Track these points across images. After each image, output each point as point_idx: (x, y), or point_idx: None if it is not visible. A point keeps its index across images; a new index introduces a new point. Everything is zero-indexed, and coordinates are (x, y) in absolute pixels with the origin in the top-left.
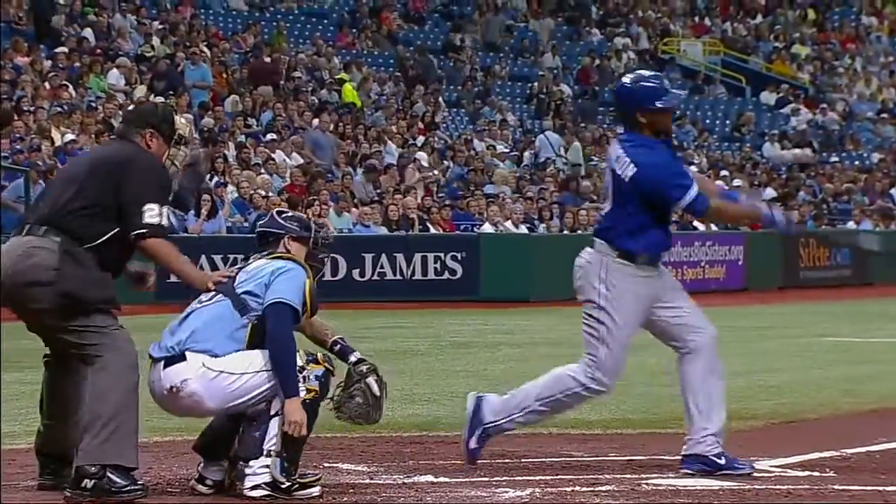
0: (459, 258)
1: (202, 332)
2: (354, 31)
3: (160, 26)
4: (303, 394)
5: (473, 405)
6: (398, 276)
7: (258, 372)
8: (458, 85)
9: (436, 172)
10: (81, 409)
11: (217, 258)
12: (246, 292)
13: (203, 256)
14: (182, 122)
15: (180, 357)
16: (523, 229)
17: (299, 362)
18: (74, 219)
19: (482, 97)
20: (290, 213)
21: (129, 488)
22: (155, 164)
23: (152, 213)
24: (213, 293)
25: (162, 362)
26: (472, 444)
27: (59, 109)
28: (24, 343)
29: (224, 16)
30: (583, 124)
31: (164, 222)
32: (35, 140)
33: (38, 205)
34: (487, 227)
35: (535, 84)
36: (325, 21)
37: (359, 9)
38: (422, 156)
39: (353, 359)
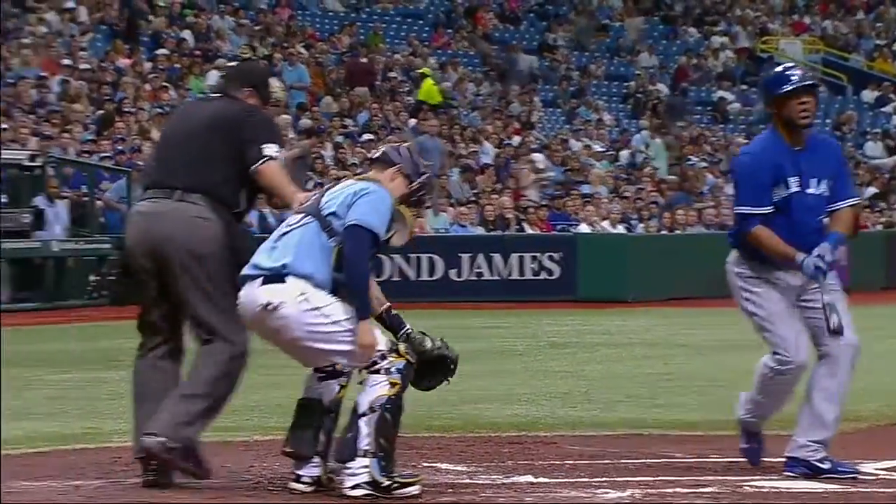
0: (556, 258)
1: (299, 256)
2: (450, 31)
3: (257, 28)
4: (386, 388)
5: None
6: (495, 276)
7: (346, 331)
8: (554, 84)
9: (551, 174)
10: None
11: None
12: (330, 214)
13: None
14: (278, 85)
15: (279, 279)
16: (620, 229)
17: (381, 347)
18: (224, 187)
19: (578, 96)
20: (407, 148)
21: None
22: (271, 117)
23: (271, 149)
24: (301, 215)
25: (259, 280)
26: (741, 443)
27: (159, 110)
28: (123, 342)
29: (321, 17)
30: (677, 123)
31: (280, 158)
32: (136, 141)
33: (169, 166)
34: (584, 227)
35: (632, 83)
36: (421, 22)
37: (454, 9)
38: (538, 157)
39: (405, 331)
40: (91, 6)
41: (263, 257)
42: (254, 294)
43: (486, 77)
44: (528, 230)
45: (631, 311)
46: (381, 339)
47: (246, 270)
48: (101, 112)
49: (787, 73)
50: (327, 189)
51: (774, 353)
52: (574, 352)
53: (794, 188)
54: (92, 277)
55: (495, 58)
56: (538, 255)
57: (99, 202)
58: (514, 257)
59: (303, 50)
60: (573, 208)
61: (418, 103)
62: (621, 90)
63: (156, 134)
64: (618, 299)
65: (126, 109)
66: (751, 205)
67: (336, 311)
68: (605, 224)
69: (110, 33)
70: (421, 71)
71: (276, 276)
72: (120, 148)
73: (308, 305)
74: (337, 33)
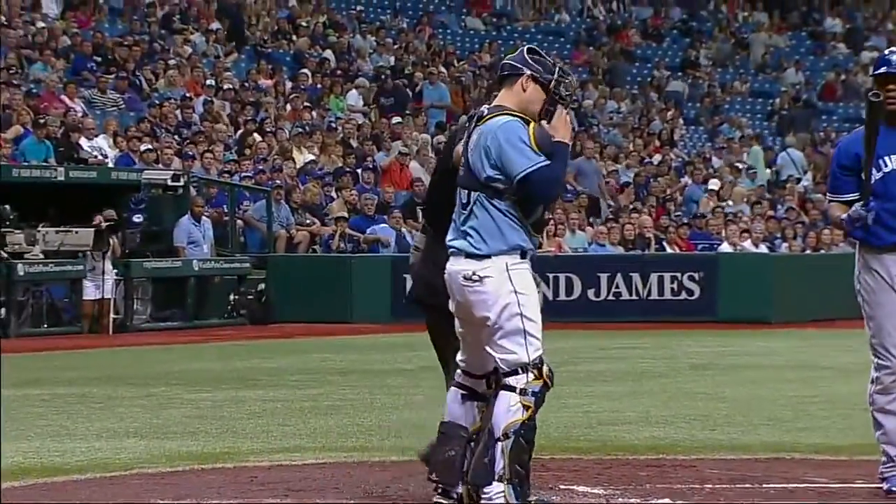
0: (697, 278)
1: (491, 238)
2: (591, 48)
3: (396, 47)
4: (520, 413)
5: None
6: (634, 296)
7: (533, 337)
8: (696, 102)
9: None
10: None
11: None
12: (488, 178)
13: None
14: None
15: (485, 256)
16: (763, 249)
17: (525, 359)
18: None
19: (721, 114)
20: (538, 54)
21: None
22: None
23: None
24: (465, 192)
25: (463, 254)
26: (881, 467)
27: (300, 130)
28: (259, 362)
29: (461, 35)
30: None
31: None
32: (277, 160)
33: None
34: (726, 247)
35: (777, 100)
36: (562, 39)
37: (596, 26)
38: (713, 183)
39: None
40: (233, 27)
41: (460, 233)
42: (460, 265)
43: (628, 95)
44: (668, 249)
45: (774, 332)
46: (532, 346)
47: (452, 242)
48: (242, 132)
49: (887, 56)
50: (463, 142)
51: (874, 354)
52: (714, 374)
53: (890, 167)
54: (232, 296)
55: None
56: (678, 274)
57: (240, 221)
58: (654, 277)
59: (443, 69)
60: (715, 227)
61: None
62: (766, 107)
63: (296, 154)
64: (760, 320)
65: (268, 129)
66: (831, 192)
67: (532, 304)
68: (748, 243)
69: (253, 54)
70: None
71: (481, 255)
72: (261, 167)
73: (509, 288)
74: (477, 51)
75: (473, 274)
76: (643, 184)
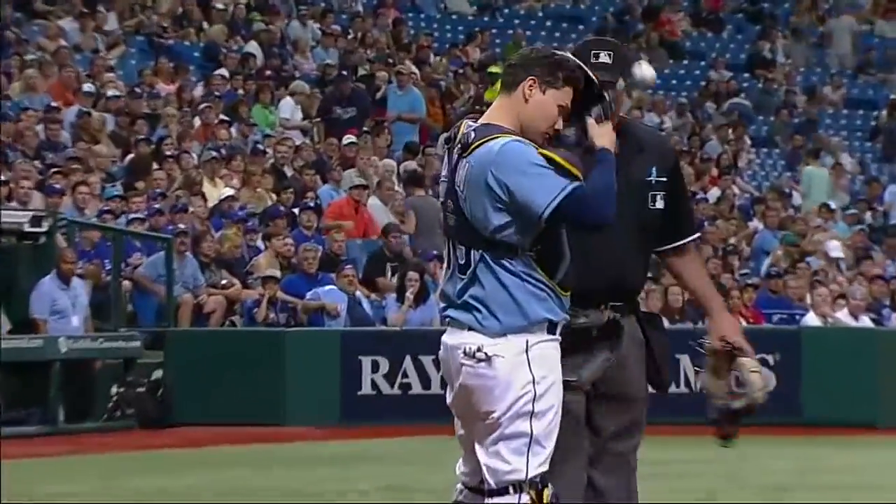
0: (772, 363)
1: (506, 305)
2: (622, 38)
3: (351, 37)
4: None
5: None
6: (682, 388)
7: (540, 446)
8: (769, 114)
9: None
10: None
11: (426, 359)
12: (496, 230)
13: (408, 357)
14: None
15: (499, 334)
16: (866, 321)
17: (521, 476)
18: None
19: (804, 131)
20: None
21: None
22: None
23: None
24: (462, 248)
25: (466, 329)
26: None
27: (213, 154)
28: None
29: (440, 22)
30: None
31: None
32: (181, 197)
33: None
34: (812, 318)
35: (883, 112)
36: (581, 27)
37: (628, 9)
38: (833, 246)
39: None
40: (124, 9)
41: (457, 296)
42: (460, 336)
43: (674, 107)
44: None
45: (881, 441)
46: (537, 459)
47: (448, 312)
48: (133, 156)
49: None
50: (444, 179)
51: None
52: (797, 497)
53: None
54: (115, 389)
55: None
56: None
57: (127, 282)
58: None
59: (415, 68)
60: (796, 290)
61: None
62: (867, 122)
63: (208, 187)
64: (862, 423)
65: (168, 153)
66: None
67: (550, 398)
68: (843, 314)
69: (147, 46)
70: (491, 70)
71: (489, 332)
72: (157, 206)
73: (525, 377)
74: (462, 44)
75: (479, 350)
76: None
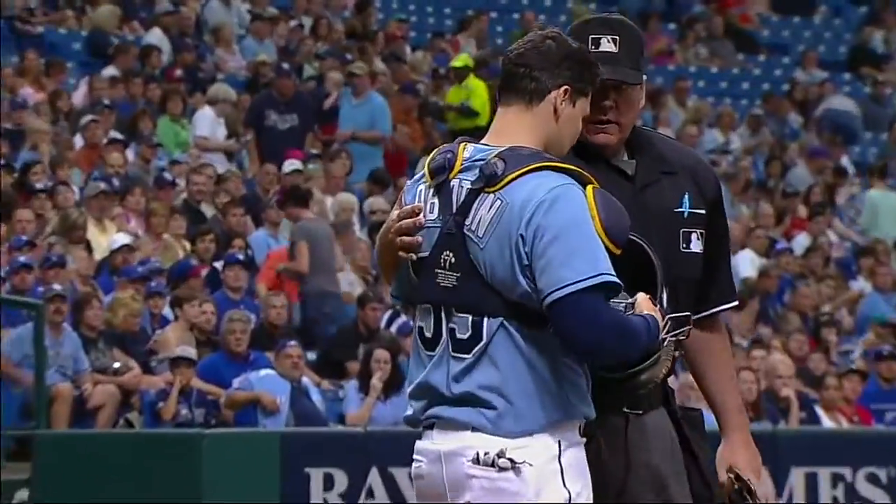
0: (883, 479)
1: (531, 390)
2: (672, 27)
3: (293, 23)
4: None
5: None
6: None
7: None
8: (881, 130)
9: None
10: None
11: (398, 472)
12: (526, 296)
13: (374, 470)
14: None
15: (521, 434)
16: None
17: None
18: None
19: None
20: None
21: None
22: None
23: None
24: (467, 318)
25: (469, 430)
26: None
27: (101, 186)
28: None
29: (417, 4)
30: None
31: None
32: (55, 246)
33: None
34: None
35: None
36: (614, 7)
37: None
38: None
39: None
40: None
41: (450, 387)
42: (461, 440)
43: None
44: (826, 421)
45: None
46: None
47: (416, 414)
48: None
49: None
50: (456, 225)
51: None
52: None
53: None
54: None
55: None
56: (846, 471)
57: None
58: (797, 476)
59: (382, 65)
60: None
61: (467, 111)
62: None
63: (94, 231)
64: None
65: (37, 185)
66: None
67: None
68: None
69: (10, 34)
70: (455, 64)
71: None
72: (23, 260)
73: (559, 488)
74: (450, 32)
75: (500, 456)
76: (775, 291)
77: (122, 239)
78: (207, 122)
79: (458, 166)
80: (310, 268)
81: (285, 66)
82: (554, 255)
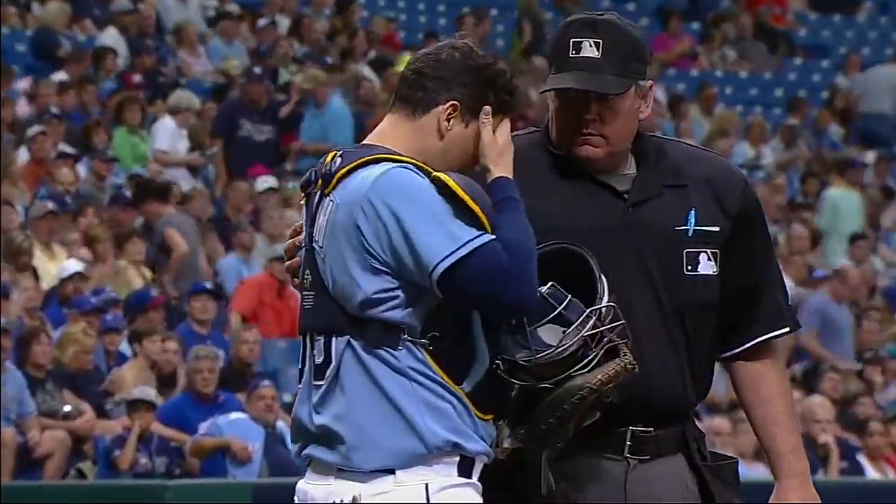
0: None
1: (386, 418)
2: (694, 25)
3: (266, 23)
4: None
5: None
6: None
7: None
8: None
9: None
10: None
11: None
12: (368, 303)
13: None
14: None
15: (380, 472)
16: None
17: None
18: None
19: None
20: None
21: None
22: None
23: None
24: (322, 339)
25: (334, 471)
26: None
27: (49, 206)
28: None
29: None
30: None
31: None
32: None
33: None
34: None
35: None
36: (631, 5)
37: None
38: None
39: None
40: None
41: (319, 448)
42: (326, 483)
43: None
44: (871, 471)
45: None
46: None
47: (301, 452)
48: None
49: None
50: (308, 239)
51: None
52: None
53: None
54: None
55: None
56: None
57: None
58: None
59: (369, 72)
60: None
61: None
62: None
63: (42, 258)
64: None
65: None
66: None
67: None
68: None
69: None
70: (403, 62)
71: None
72: None
73: None
74: (445, 32)
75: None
76: (817, 329)
77: (74, 266)
78: (168, 134)
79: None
80: (180, 264)
81: (257, 70)
82: (415, 239)
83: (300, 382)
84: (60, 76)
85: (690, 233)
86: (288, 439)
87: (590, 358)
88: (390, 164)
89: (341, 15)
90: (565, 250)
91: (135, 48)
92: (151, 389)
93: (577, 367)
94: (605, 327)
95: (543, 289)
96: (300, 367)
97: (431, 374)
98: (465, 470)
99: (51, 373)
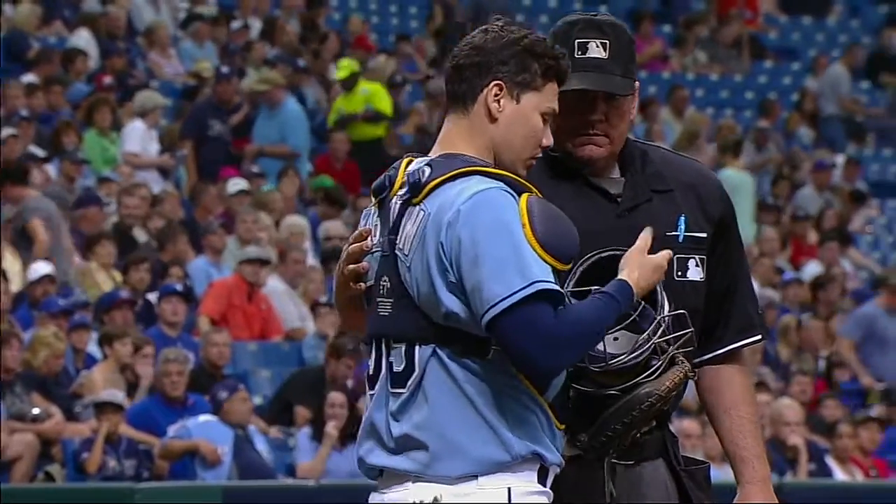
0: None
1: (470, 427)
2: (665, 27)
3: (238, 24)
4: None
5: None
6: None
7: None
8: None
9: None
10: None
11: None
12: (451, 317)
13: None
14: None
15: (461, 478)
16: None
17: None
18: None
19: None
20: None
21: None
22: None
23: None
24: (401, 347)
25: (410, 479)
26: None
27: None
28: None
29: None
30: None
31: None
32: None
33: None
34: None
35: None
36: (604, 6)
37: None
38: None
39: None
40: None
41: (393, 458)
42: (403, 491)
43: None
44: (839, 474)
45: None
46: None
47: (369, 457)
48: None
49: None
50: (389, 245)
51: None
52: None
53: None
54: None
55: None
56: None
57: None
58: None
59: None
60: None
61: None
62: None
63: (11, 263)
64: None
65: None
66: None
67: None
68: None
69: None
70: (342, 74)
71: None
72: None
73: None
74: (418, 34)
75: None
76: (793, 324)
77: (43, 268)
78: (138, 136)
79: (398, 182)
80: (45, 251)
81: (225, 69)
82: (481, 270)
83: (371, 388)
84: (30, 78)
85: (681, 238)
86: (257, 442)
87: (656, 366)
88: (484, 184)
89: (312, 17)
90: (616, 257)
91: (105, 50)
92: (120, 392)
93: (644, 375)
94: (673, 335)
95: None
96: (370, 372)
97: (517, 383)
98: (541, 478)
99: (20, 375)
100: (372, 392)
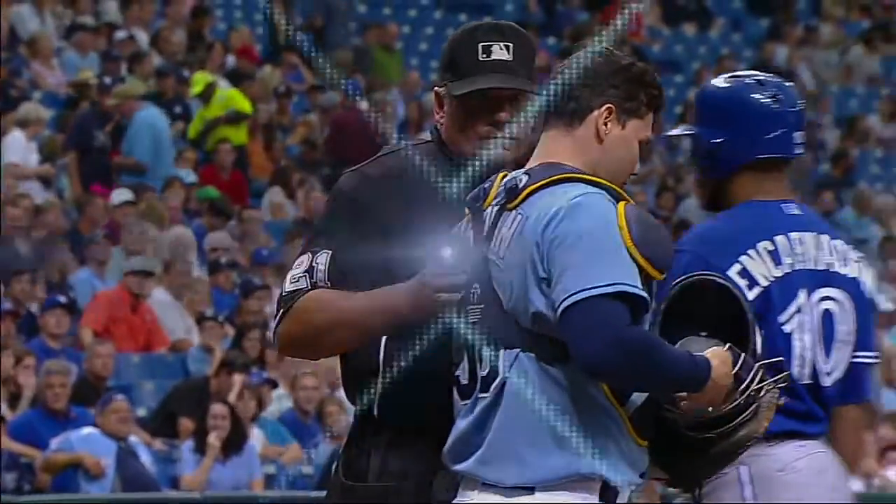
0: None
1: (548, 435)
2: (555, 38)
3: (123, 34)
4: None
5: None
6: None
7: None
8: None
9: None
10: None
11: None
12: (539, 319)
13: None
14: None
15: (530, 489)
16: None
17: None
18: None
19: (837, 185)
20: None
21: None
22: None
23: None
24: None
25: (477, 488)
26: None
27: None
28: None
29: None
30: None
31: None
32: None
33: None
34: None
35: None
36: (487, 17)
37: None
38: None
39: None
40: None
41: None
42: (478, 498)
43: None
44: None
45: None
46: None
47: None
48: None
49: None
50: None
51: None
52: None
53: None
54: None
55: None
56: None
57: None
58: None
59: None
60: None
61: (235, 116)
62: None
63: None
64: None
65: None
66: None
67: None
68: None
69: None
70: (197, 89)
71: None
72: None
73: None
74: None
75: None
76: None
77: None
78: (19, 147)
79: (493, 193)
80: None
81: (108, 80)
82: (570, 262)
83: (463, 398)
84: None
85: None
86: (141, 454)
87: (754, 407)
88: (586, 189)
89: (197, 27)
90: (713, 283)
91: None
92: (1, 404)
93: (741, 417)
94: (771, 380)
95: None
96: (461, 382)
97: (596, 392)
98: (608, 497)
99: None
100: (463, 401)
